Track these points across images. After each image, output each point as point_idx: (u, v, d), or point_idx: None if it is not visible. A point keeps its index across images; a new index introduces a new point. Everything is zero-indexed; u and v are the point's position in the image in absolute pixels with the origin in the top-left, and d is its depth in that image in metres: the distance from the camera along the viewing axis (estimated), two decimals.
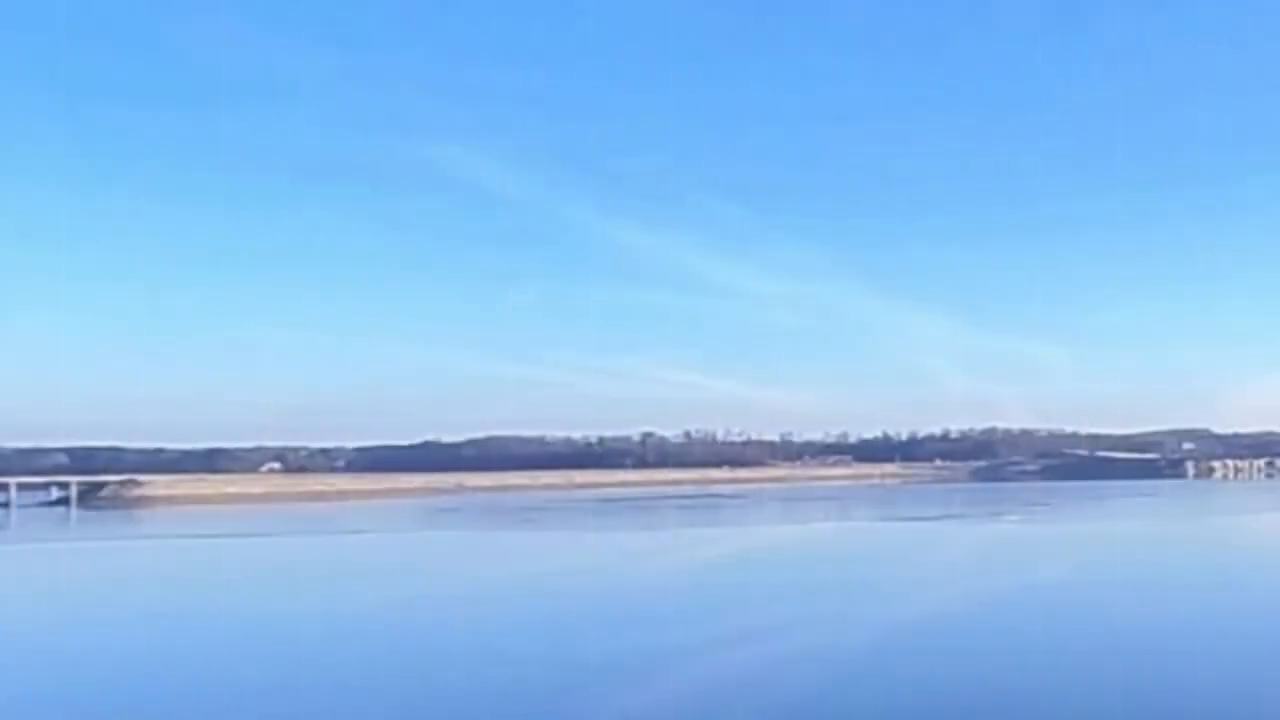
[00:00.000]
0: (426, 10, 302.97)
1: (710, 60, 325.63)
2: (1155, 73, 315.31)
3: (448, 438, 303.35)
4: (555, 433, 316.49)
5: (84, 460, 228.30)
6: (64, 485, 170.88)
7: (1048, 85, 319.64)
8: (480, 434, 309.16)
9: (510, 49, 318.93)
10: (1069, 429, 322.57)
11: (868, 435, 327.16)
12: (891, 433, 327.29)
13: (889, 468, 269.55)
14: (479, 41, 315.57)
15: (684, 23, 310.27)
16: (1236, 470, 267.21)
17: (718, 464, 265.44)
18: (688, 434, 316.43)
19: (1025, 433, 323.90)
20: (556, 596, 44.76)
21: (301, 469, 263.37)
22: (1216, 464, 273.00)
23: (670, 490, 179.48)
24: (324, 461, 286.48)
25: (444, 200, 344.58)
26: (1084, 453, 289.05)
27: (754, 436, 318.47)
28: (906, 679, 25.51)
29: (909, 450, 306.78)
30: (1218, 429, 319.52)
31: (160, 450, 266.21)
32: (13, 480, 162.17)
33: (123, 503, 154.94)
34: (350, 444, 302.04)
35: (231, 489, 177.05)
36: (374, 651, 30.75)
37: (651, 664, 27.91)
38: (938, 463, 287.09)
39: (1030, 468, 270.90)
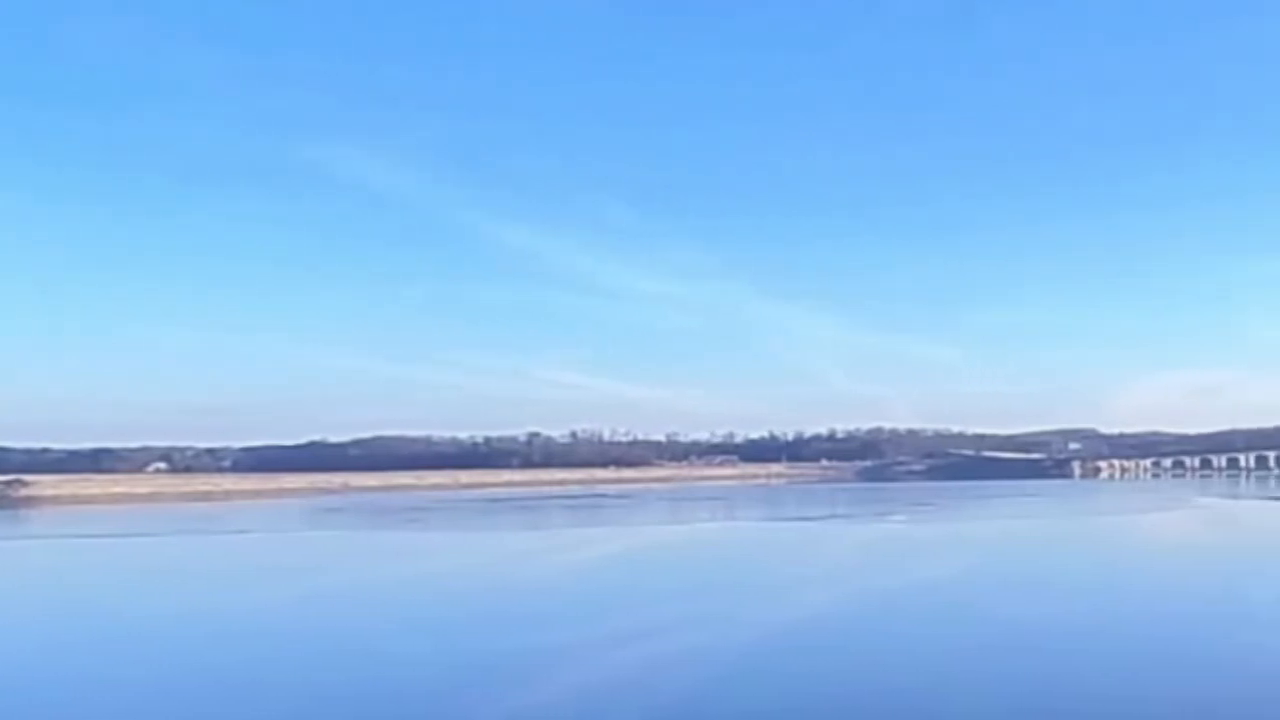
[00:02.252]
0: (316, 9, 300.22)
1: (600, 60, 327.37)
2: (1044, 73, 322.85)
3: (334, 438, 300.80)
4: (441, 433, 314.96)
5: None
6: None
7: (939, 85, 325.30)
8: (366, 434, 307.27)
9: (400, 48, 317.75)
10: (955, 429, 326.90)
11: (754, 435, 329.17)
12: (778, 432, 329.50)
13: (775, 468, 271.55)
14: (368, 40, 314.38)
15: (574, 22, 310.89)
16: (1123, 470, 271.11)
17: (604, 464, 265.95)
18: (574, 434, 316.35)
19: (911, 432, 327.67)
20: (441, 597, 45.09)
21: (188, 469, 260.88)
22: (1102, 464, 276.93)
23: (556, 490, 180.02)
24: (210, 461, 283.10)
25: (332, 199, 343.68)
26: (970, 452, 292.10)
27: (640, 436, 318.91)
28: (788, 678, 26.12)
29: (795, 450, 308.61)
30: (1104, 429, 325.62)
31: (46, 450, 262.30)
32: None
33: (9, 503, 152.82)
34: (236, 444, 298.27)
35: (117, 489, 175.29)
36: (256, 653, 30.89)
37: (536, 664, 28.20)
38: (824, 463, 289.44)
39: (916, 467, 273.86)
